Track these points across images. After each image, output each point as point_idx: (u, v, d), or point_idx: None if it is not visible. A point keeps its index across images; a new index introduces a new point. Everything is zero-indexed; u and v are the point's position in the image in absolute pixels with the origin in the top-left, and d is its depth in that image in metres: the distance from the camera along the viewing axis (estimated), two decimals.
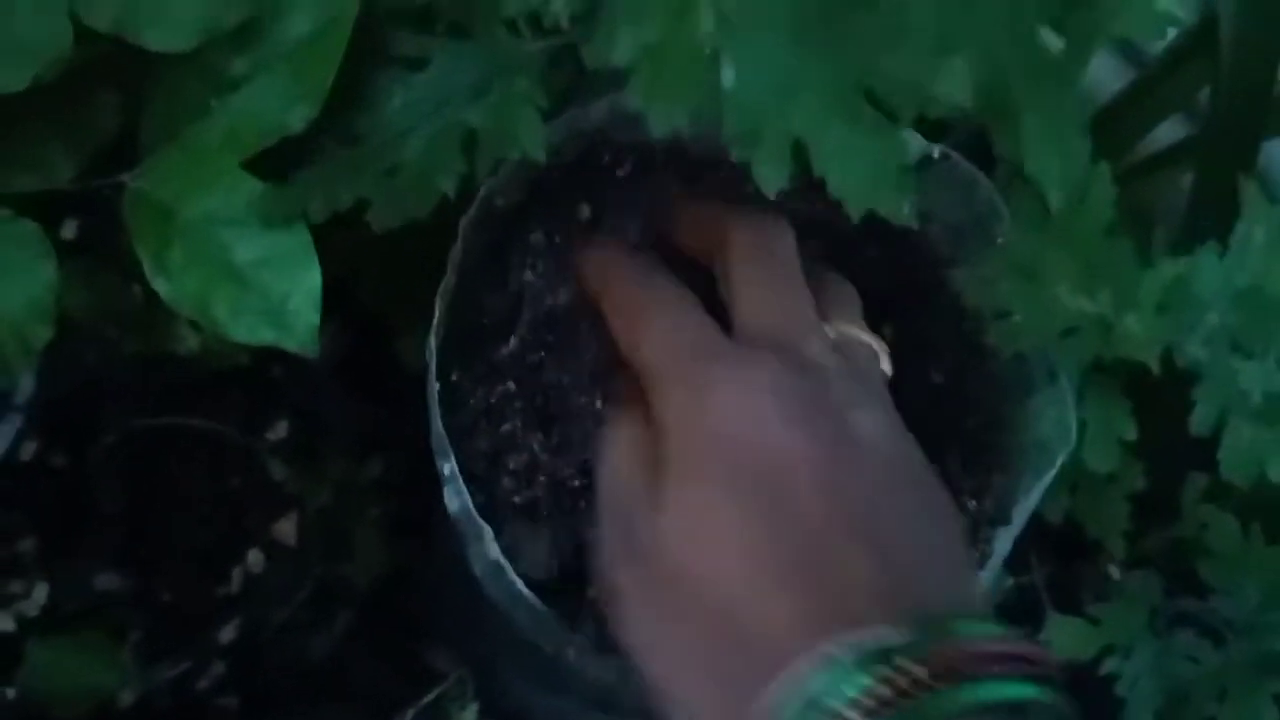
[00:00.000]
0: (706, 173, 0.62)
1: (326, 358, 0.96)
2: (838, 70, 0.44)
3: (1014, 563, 0.87)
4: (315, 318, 0.51)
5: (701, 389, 0.49)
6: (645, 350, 0.51)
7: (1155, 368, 0.58)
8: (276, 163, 0.54)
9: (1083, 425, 0.64)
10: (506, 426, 0.55)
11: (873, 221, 0.64)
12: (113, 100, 0.56)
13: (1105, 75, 0.92)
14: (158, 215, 0.53)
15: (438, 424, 0.53)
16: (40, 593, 0.87)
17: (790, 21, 0.44)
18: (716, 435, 0.47)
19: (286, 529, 0.91)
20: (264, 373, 0.92)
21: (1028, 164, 0.44)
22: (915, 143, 0.61)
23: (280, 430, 0.93)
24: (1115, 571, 0.86)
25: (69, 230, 0.76)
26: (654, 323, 0.52)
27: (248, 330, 0.51)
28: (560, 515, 0.55)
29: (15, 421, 0.85)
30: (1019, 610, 0.88)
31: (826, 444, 0.47)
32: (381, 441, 0.94)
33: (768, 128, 0.46)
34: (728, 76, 0.45)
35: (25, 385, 0.85)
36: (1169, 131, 0.89)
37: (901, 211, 0.46)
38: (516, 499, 0.54)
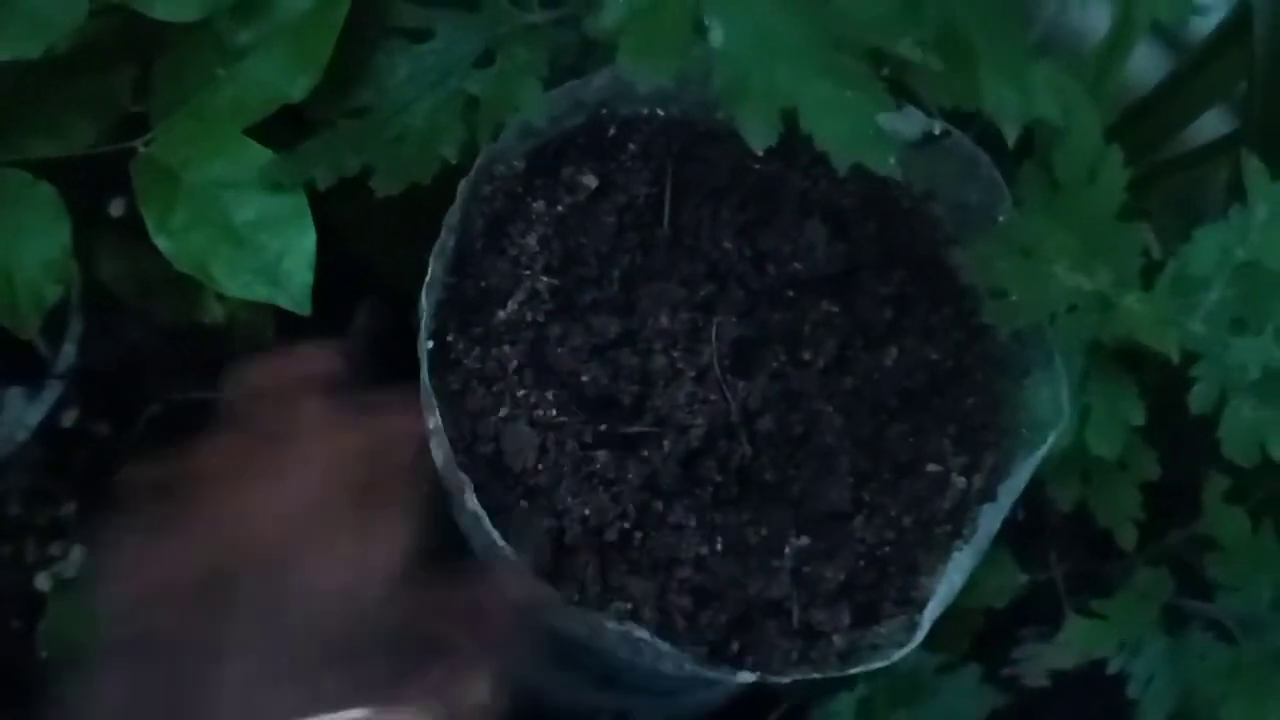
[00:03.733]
0: (709, 145, 0.63)
1: (357, 331, 0.98)
2: (819, 28, 0.45)
3: (1032, 561, 0.87)
4: (309, 276, 0.53)
5: None
6: None
7: (1174, 354, 0.56)
8: (286, 132, 0.56)
9: (1087, 409, 0.64)
10: (498, 388, 0.57)
11: (875, 199, 0.65)
12: (129, 71, 0.58)
13: (1147, 67, 0.91)
14: (164, 179, 0.55)
15: (425, 379, 0.54)
16: (76, 555, 0.90)
17: None
18: None
19: None
20: (295, 346, 0.94)
21: (985, 101, 0.44)
22: (917, 119, 0.62)
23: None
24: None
25: (117, 208, 0.79)
26: None
27: (244, 287, 0.53)
28: (552, 479, 0.56)
29: (56, 389, 0.88)
30: (1037, 609, 0.87)
31: None
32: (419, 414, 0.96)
33: (754, 84, 0.46)
34: (716, 36, 0.46)
35: (67, 354, 0.88)
36: (1218, 125, 0.88)
37: (885, 163, 0.46)
38: (504, 460, 0.56)
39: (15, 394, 0.89)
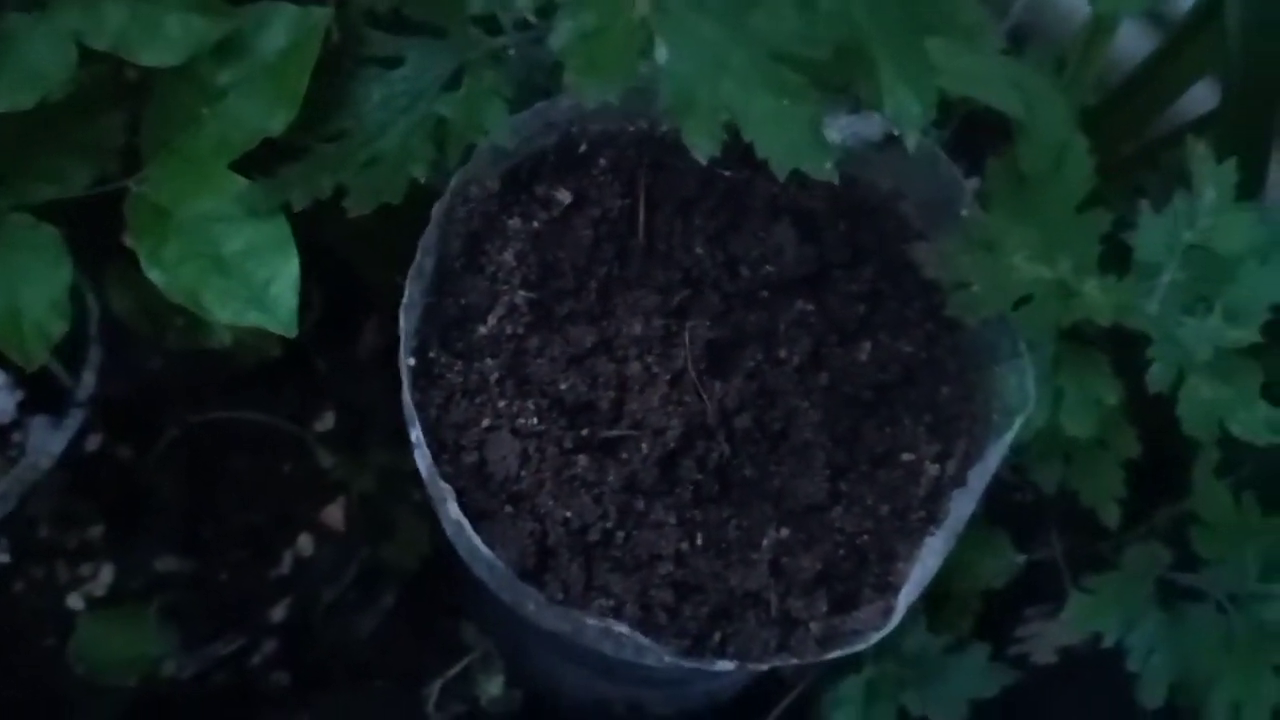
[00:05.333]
0: (678, 155, 0.65)
1: (368, 352, 1.02)
2: (759, 44, 0.47)
3: (1033, 540, 0.88)
4: (294, 301, 0.56)
5: None
6: None
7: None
8: (265, 162, 0.59)
9: (1060, 392, 0.65)
10: (480, 400, 0.59)
11: (842, 200, 0.66)
12: (119, 115, 0.61)
13: (1133, 44, 0.92)
14: (156, 215, 0.58)
15: (406, 395, 0.57)
16: (106, 574, 0.94)
17: (717, 2, 0.47)
18: None
19: (334, 514, 0.97)
20: (310, 367, 0.98)
21: (886, 107, 0.46)
22: (876, 121, 0.63)
23: (327, 421, 0.98)
24: None
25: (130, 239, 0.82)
26: None
27: (234, 314, 0.56)
28: (534, 485, 0.58)
29: (79, 416, 0.92)
30: (1039, 587, 0.89)
31: None
32: None
33: (699, 98, 0.48)
34: (661, 54, 0.48)
35: (87, 383, 0.92)
36: (1204, 101, 0.89)
37: (823, 168, 0.48)
38: (487, 469, 0.58)
39: (40, 422, 0.93)
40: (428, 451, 0.56)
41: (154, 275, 0.58)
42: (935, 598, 0.86)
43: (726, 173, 0.65)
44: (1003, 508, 0.84)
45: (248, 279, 0.57)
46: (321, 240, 0.66)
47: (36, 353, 0.59)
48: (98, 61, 0.58)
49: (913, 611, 0.80)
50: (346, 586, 0.95)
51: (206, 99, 0.59)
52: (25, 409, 0.94)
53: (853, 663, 0.84)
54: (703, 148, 0.49)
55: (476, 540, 0.54)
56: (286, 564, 0.95)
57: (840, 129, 0.62)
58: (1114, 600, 0.76)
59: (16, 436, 0.94)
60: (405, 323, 0.58)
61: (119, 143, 0.61)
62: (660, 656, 0.55)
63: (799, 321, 0.64)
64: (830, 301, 0.64)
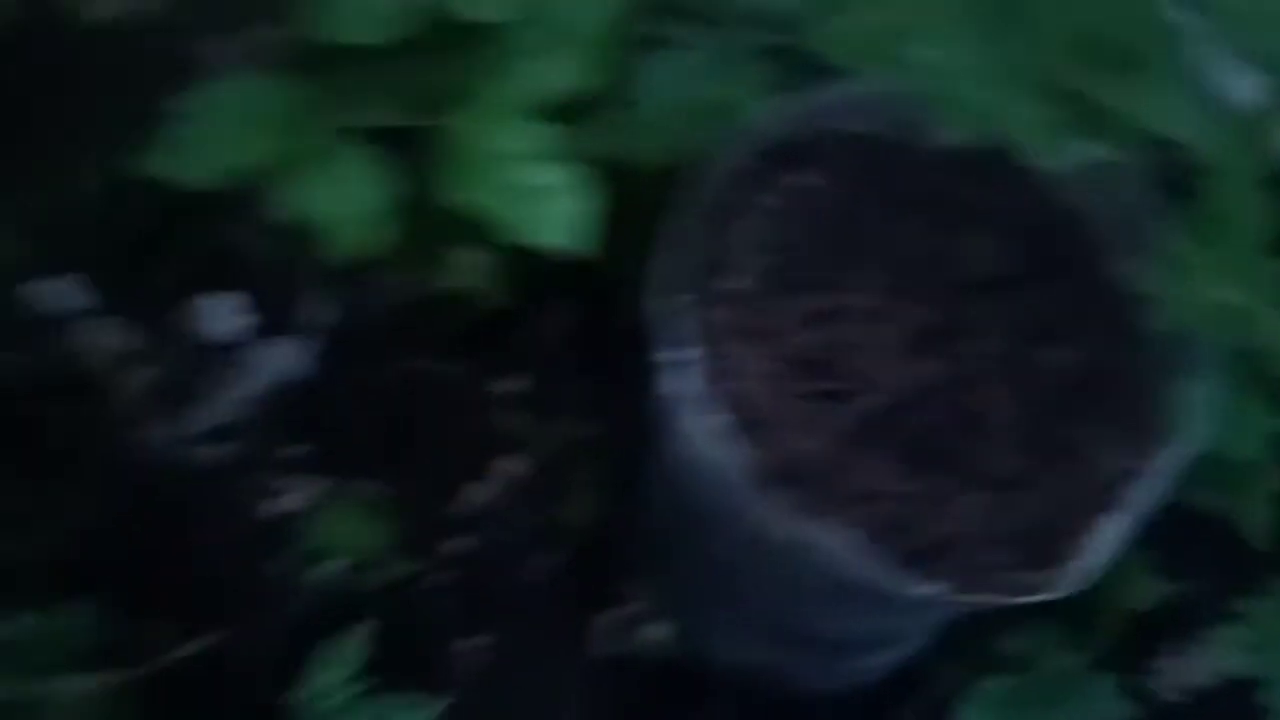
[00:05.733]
0: (905, 158, 0.73)
1: (560, 328, 1.11)
2: (1006, 49, 0.56)
3: (1183, 570, 0.91)
4: (589, 228, 0.65)
5: None
6: None
7: None
8: (568, 114, 0.69)
9: (1230, 413, 0.72)
10: (721, 343, 0.68)
11: (1044, 213, 0.74)
12: (437, 59, 0.71)
13: None
14: (466, 149, 0.68)
15: (659, 330, 0.66)
16: (309, 488, 1.03)
17: (969, 12, 0.56)
18: None
19: (518, 468, 1.06)
20: (510, 335, 1.07)
21: (1157, 126, 0.54)
22: (1086, 146, 0.71)
23: (522, 383, 1.08)
24: None
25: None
26: None
27: (532, 236, 0.66)
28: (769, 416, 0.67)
29: (313, 344, 1.03)
30: (1182, 619, 0.93)
31: None
32: (602, 407, 1.08)
33: (956, 94, 0.57)
34: (919, 53, 0.57)
35: (327, 314, 1.04)
36: None
37: (1058, 164, 0.56)
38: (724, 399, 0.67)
39: (279, 345, 1.04)
40: (680, 370, 0.64)
41: (458, 200, 0.67)
42: (1078, 615, 0.90)
43: (944, 178, 0.73)
44: (1158, 533, 0.89)
45: (546, 207, 0.66)
46: None
47: (351, 253, 0.69)
48: (424, 13, 0.69)
49: (1054, 628, 0.87)
50: (520, 535, 1.04)
51: (522, 55, 0.69)
52: (260, 332, 1.05)
53: (990, 666, 0.90)
54: (953, 133, 0.57)
55: (723, 454, 0.62)
56: (468, 506, 1.04)
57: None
58: (1256, 630, 0.80)
59: (246, 356, 1.05)
60: (662, 270, 0.67)
61: (435, 83, 0.72)
62: (872, 575, 0.62)
63: (998, 319, 0.71)
64: (1027, 304, 0.72)
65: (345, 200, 0.69)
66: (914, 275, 0.71)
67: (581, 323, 1.08)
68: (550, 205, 0.66)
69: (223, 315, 1.03)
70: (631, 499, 1.01)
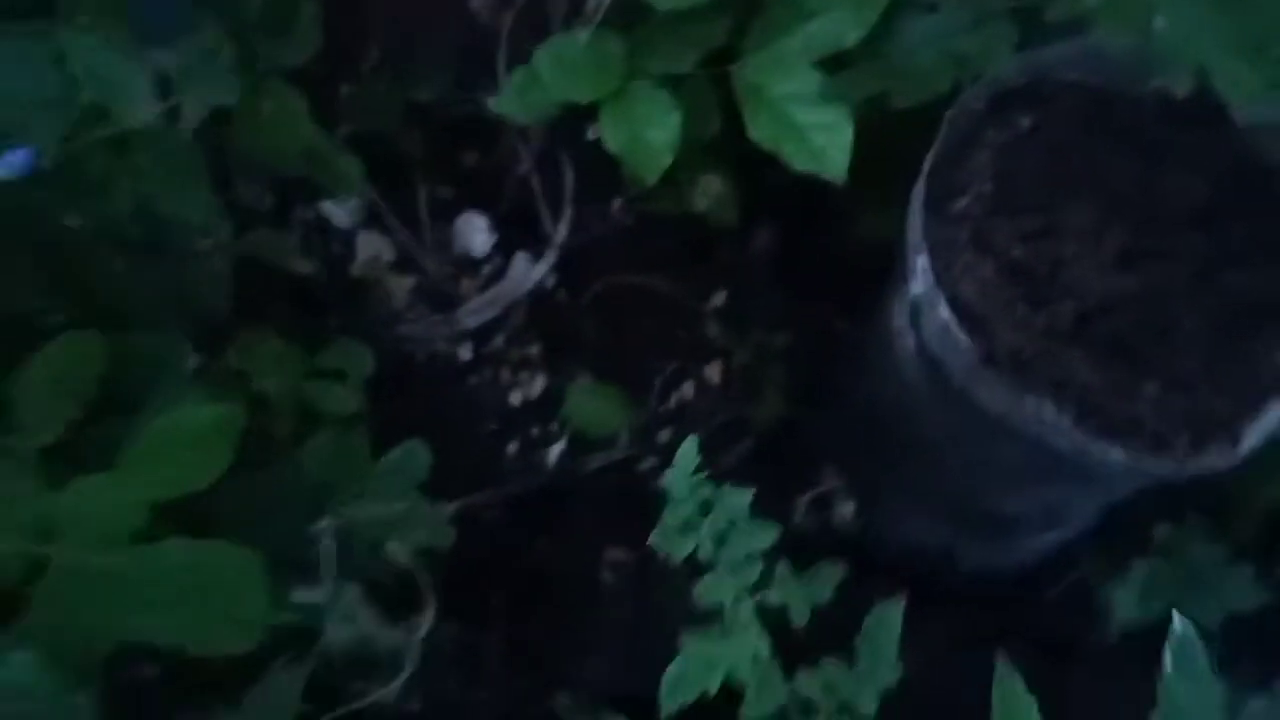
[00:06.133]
0: (1121, 107, 0.87)
1: (759, 253, 1.26)
2: (1233, 17, 0.70)
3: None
4: (846, 159, 0.80)
5: None
6: None
7: None
8: (835, 63, 0.83)
9: None
10: (954, 253, 0.83)
11: (1242, 160, 0.87)
12: (727, 19, 0.86)
13: None
14: (753, 92, 0.83)
15: (912, 241, 0.80)
16: (539, 383, 1.20)
17: None
18: None
19: (714, 372, 1.22)
20: (716, 257, 1.23)
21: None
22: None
23: (720, 299, 1.23)
24: None
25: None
26: None
27: (805, 163, 0.81)
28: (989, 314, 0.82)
29: (550, 258, 1.18)
30: None
31: None
32: (792, 321, 1.23)
33: (1181, 57, 0.71)
34: (1159, 23, 0.71)
35: (561, 230, 1.19)
36: None
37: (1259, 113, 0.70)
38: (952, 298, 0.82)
39: (521, 258, 1.20)
40: (929, 273, 0.79)
41: (751, 132, 0.83)
42: (1224, 508, 1.03)
43: (1157, 126, 0.87)
44: None
45: (813, 140, 0.81)
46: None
47: (651, 174, 0.85)
48: None
49: (1200, 521, 1.00)
50: (716, 429, 1.20)
51: (799, 16, 0.84)
52: (503, 248, 1.21)
53: (1138, 553, 1.03)
54: (1180, 85, 0.72)
55: (951, 344, 0.77)
56: (673, 402, 1.20)
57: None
58: None
59: (489, 268, 1.21)
60: (914, 195, 0.82)
61: (722, 39, 0.87)
62: (1078, 440, 0.77)
63: (1192, 246, 0.85)
64: (1219, 236, 0.86)
65: (644, 132, 0.85)
66: (1120, 205, 0.85)
67: (781, 245, 1.23)
68: (819, 139, 0.82)
69: (477, 232, 1.19)
70: (817, 399, 1.17)
